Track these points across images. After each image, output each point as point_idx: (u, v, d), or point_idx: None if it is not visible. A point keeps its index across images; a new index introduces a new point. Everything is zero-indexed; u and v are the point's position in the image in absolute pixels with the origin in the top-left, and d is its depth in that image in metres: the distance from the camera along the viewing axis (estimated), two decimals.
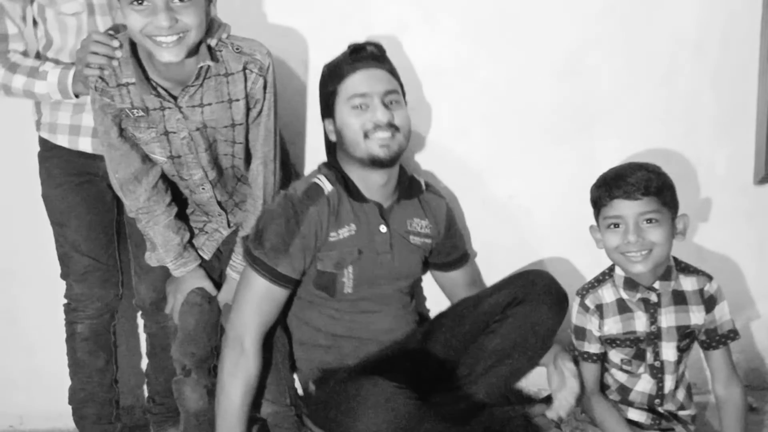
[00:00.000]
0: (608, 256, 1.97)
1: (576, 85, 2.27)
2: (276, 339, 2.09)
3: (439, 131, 2.30)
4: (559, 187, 2.34)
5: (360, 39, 2.15)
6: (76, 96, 1.99)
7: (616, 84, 2.27)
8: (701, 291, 1.95)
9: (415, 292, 2.20)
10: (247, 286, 1.96)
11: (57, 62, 2.00)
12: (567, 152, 2.32)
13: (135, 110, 1.90)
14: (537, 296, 1.93)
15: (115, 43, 1.86)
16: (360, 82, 1.94)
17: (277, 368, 2.09)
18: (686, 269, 1.99)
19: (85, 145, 2.08)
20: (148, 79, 1.87)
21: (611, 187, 1.90)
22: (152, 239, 2.05)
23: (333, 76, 1.98)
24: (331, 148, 2.06)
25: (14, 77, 1.99)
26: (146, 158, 1.99)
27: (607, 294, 2.01)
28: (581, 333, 2.03)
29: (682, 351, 1.98)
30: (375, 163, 1.95)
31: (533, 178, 2.34)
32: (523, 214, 2.36)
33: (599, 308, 2.01)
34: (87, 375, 2.19)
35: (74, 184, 2.10)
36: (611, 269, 2.02)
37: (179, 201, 2.10)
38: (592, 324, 2.02)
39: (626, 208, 1.88)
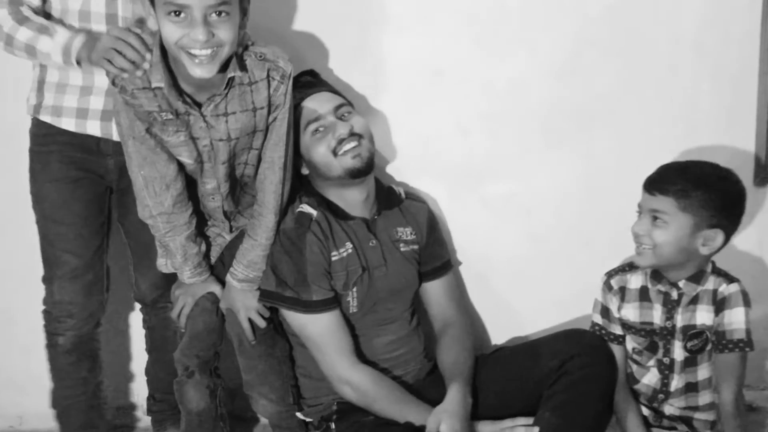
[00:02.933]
0: None
1: (576, 85, 2.27)
2: (276, 340, 2.10)
3: (439, 131, 2.30)
4: (558, 187, 2.34)
5: (364, 47, 2.17)
6: (78, 63, 1.90)
7: (616, 84, 2.27)
8: (715, 292, 1.94)
9: (416, 311, 2.20)
10: (306, 331, 2.00)
11: (71, 28, 1.91)
12: (567, 152, 2.31)
13: (164, 113, 1.87)
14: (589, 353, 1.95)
15: (148, 56, 1.81)
16: (309, 108, 2.00)
17: (279, 368, 2.10)
18: (714, 272, 1.96)
19: (93, 128, 2.01)
20: (176, 84, 1.85)
21: (646, 179, 1.94)
22: (170, 250, 2.03)
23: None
24: (303, 181, 2.09)
25: (20, 29, 1.89)
26: (171, 156, 1.95)
27: (634, 280, 2.02)
28: (606, 312, 2.05)
29: (693, 352, 1.96)
30: (353, 174, 1.98)
31: (533, 178, 2.33)
32: (523, 214, 2.36)
33: (622, 290, 2.03)
34: (70, 384, 2.16)
35: (72, 179, 2.04)
36: None
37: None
38: (612, 304, 2.03)
39: (644, 201, 1.92)
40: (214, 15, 1.74)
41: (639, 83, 2.27)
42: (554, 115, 2.29)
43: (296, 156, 2.04)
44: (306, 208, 2.02)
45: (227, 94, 1.87)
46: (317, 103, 2.00)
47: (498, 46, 2.25)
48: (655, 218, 1.89)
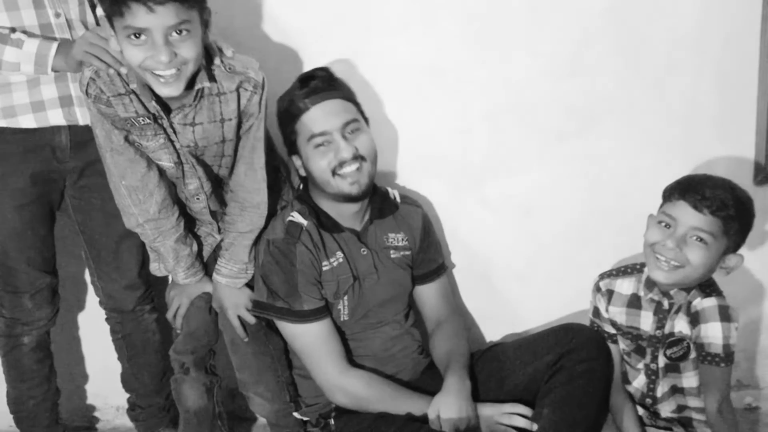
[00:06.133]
0: (643, 248, 1.93)
1: (576, 85, 2.26)
2: (269, 338, 2.10)
3: (439, 131, 2.30)
4: (559, 186, 2.34)
5: (364, 46, 2.19)
6: (54, 71, 1.87)
7: (616, 84, 2.26)
8: (689, 304, 1.91)
9: (411, 310, 2.20)
10: (298, 341, 2.00)
11: (27, 33, 1.86)
12: (567, 152, 2.31)
13: (141, 118, 1.86)
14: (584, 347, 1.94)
15: (125, 62, 1.79)
16: (316, 119, 1.93)
17: (274, 366, 2.11)
18: (699, 285, 1.93)
19: (56, 118, 1.95)
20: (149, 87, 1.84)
21: (686, 189, 1.84)
22: (161, 254, 2.03)
23: (289, 114, 1.96)
24: (304, 179, 2.07)
25: None
26: (151, 163, 1.95)
27: (625, 286, 2.00)
28: (596, 312, 2.05)
29: (673, 359, 1.94)
30: (348, 199, 1.97)
31: (533, 178, 2.33)
32: (523, 214, 2.36)
33: (609, 293, 2.02)
34: (36, 383, 2.17)
35: (33, 199, 2.01)
36: (644, 264, 1.98)
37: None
38: (600, 304, 2.03)
39: (685, 215, 1.82)
40: (174, 34, 1.71)
41: (639, 83, 2.27)
42: (554, 115, 2.29)
43: (294, 156, 2.02)
44: (297, 217, 2.00)
45: (196, 105, 1.86)
46: (325, 116, 1.93)
47: (498, 46, 2.24)
48: (697, 238, 1.82)
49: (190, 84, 1.81)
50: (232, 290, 2.04)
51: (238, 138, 1.95)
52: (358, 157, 1.94)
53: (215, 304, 2.08)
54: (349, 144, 1.94)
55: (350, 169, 1.94)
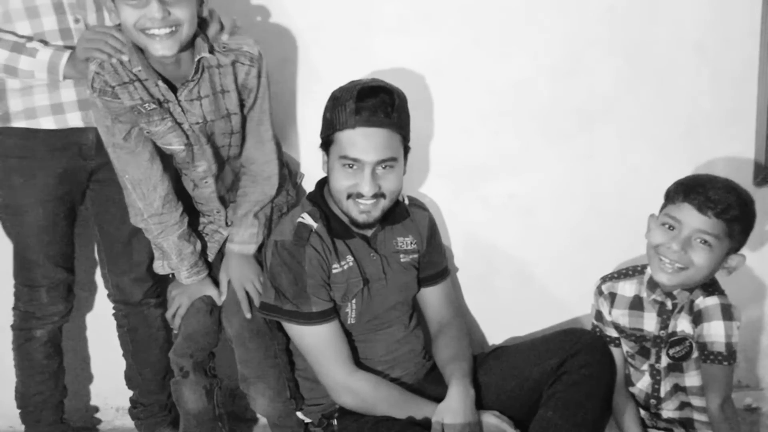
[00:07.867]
0: (646, 250, 1.92)
1: (576, 85, 2.26)
2: (274, 335, 2.09)
3: (439, 131, 2.30)
4: (559, 187, 2.34)
5: (364, 46, 2.19)
6: (66, 78, 1.93)
7: (616, 84, 2.26)
8: (692, 303, 1.91)
9: (415, 312, 2.19)
10: (305, 342, 1.99)
11: (44, 42, 1.92)
12: (567, 152, 2.31)
13: (146, 104, 1.88)
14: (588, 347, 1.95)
15: (125, 50, 1.84)
16: (355, 143, 1.88)
17: (276, 363, 2.10)
18: (702, 284, 1.92)
19: (74, 120, 2.00)
20: (154, 69, 1.87)
21: (690, 191, 1.82)
22: (165, 250, 2.05)
23: (334, 116, 1.90)
24: (322, 180, 2.07)
25: None
26: (154, 156, 1.97)
27: (627, 288, 2.00)
28: (599, 315, 2.05)
29: (676, 359, 1.94)
30: (354, 224, 1.98)
31: (533, 178, 2.33)
32: (523, 214, 2.36)
33: (612, 296, 2.01)
34: (44, 378, 2.18)
35: (58, 197, 2.05)
36: (645, 265, 1.97)
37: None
38: (603, 308, 2.03)
39: (690, 218, 1.82)
40: None
41: (639, 83, 2.27)
42: (554, 115, 2.29)
43: (323, 152, 1.99)
44: (307, 218, 1.99)
45: (199, 79, 1.89)
46: (365, 144, 1.88)
47: (498, 46, 2.24)
48: (702, 240, 1.81)
49: (189, 46, 1.84)
50: (241, 261, 2.06)
51: (243, 115, 1.98)
52: (377, 195, 1.93)
53: (223, 275, 2.08)
54: (374, 182, 1.91)
55: (365, 202, 1.93)
